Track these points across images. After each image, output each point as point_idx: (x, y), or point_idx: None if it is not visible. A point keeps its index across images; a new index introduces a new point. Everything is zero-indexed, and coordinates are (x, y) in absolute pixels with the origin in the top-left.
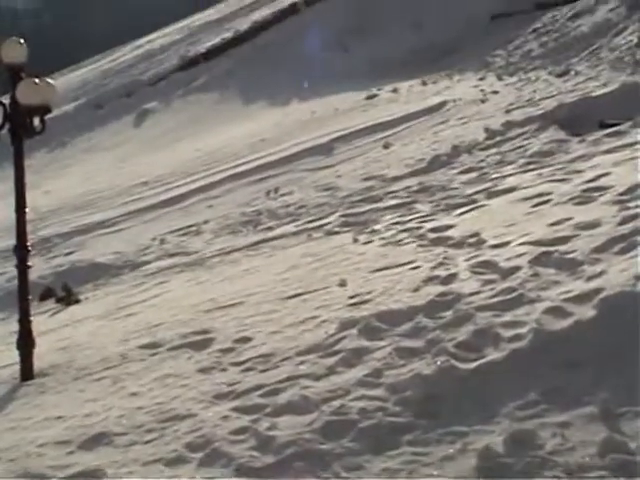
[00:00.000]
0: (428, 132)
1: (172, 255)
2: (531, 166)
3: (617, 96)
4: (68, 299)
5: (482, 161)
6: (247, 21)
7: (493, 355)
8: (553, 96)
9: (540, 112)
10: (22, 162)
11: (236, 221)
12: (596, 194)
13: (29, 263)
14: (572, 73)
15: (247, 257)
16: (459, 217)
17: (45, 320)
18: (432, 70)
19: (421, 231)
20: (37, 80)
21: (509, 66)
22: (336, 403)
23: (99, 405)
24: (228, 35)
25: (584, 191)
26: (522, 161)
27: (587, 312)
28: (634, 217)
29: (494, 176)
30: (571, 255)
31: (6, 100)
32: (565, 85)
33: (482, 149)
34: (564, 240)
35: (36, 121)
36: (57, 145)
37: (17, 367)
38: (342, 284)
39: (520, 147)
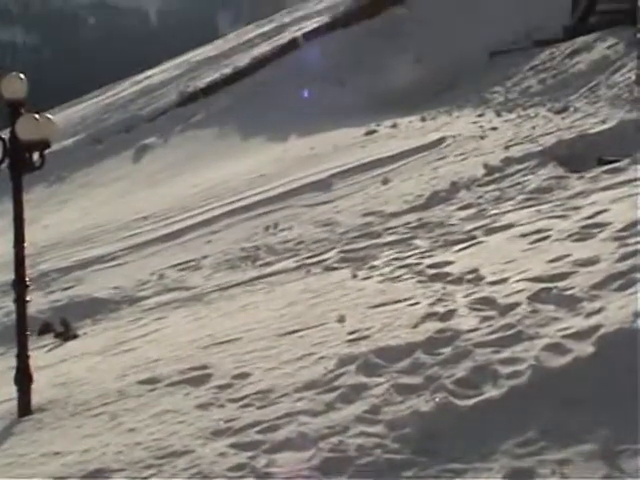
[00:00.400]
0: (427, 168)
1: (171, 290)
2: (530, 202)
3: (615, 133)
4: (66, 334)
5: (481, 197)
6: (246, 57)
7: (492, 392)
8: (552, 133)
9: (539, 148)
10: (21, 197)
11: (235, 256)
12: (595, 231)
13: (27, 298)
14: (571, 110)
15: (246, 293)
16: (458, 253)
17: (43, 355)
18: (431, 106)
19: (420, 267)
20: (37, 116)
21: (508, 102)
22: (334, 440)
23: (97, 441)
24: (227, 71)
25: (583, 228)
26: (521, 197)
27: (586, 349)
28: (633, 254)
29: (493, 212)
30: (570, 292)
31: (6, 135)
32: (564, 122)
33: (481, 185)
34: (563, 277)
35: (35, 156)
36: (56, 180)
37: (15, 402)
38: (341, 320)
39: (519, 183)
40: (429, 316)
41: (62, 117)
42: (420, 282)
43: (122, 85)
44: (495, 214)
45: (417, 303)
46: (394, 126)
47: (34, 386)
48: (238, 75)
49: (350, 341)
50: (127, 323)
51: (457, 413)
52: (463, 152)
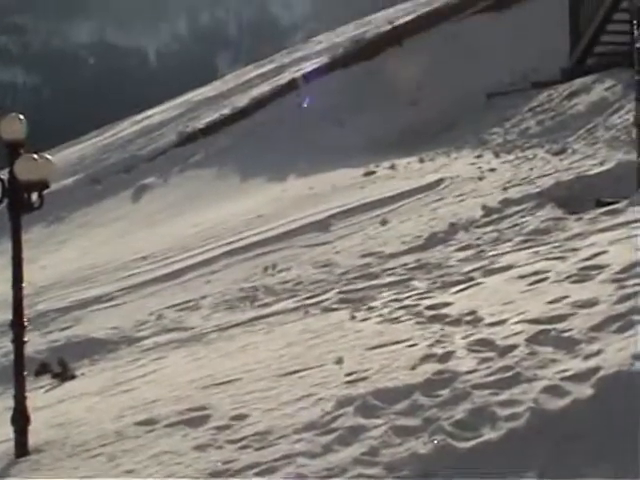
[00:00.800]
0: (425, 209)
1: (169, 330)
2: (528, 244)
3: (614, 174)
4: (64, 375)
5: (479, 238)
6: (245, 97)
7: (490, 434)
8: (550, 174)
9: (537, 190)
10: (20, 237)
11: (234, 297)
12: (593, 272)
13: (25, 338)
14: (569, 151)
15: (245, 333)
16: (456, 295)
17: (41, 396)
18: (429, 147)
19: (418, 308)
20: (36, 156)
21: (506, 144)
22: None
23: None
24: (226, 111)
25: (581, 269)
26: (519, 239)
27: (585, 391)
28: (631, 296)
29: (491, 254)
30: (568, 333)
31: (4, 175)
32: (562, 163)
33: (479, 226)
34: (561, 318)
35: (34, 196)
36: (55, 220)
37: (11, 443)
38: (339, 361)
39: (517, 225)
40: (427, 357)
41: (61, 157)
42: (418, 323)
43: (121, 125)
44: (493, 255)
45: (415, 344)
46: (393, 167)
47: (31, 427)
48: (237, 115)
49: (348, 382)
50: (125, 363)
51: (455, 455)
52: (461, 193)
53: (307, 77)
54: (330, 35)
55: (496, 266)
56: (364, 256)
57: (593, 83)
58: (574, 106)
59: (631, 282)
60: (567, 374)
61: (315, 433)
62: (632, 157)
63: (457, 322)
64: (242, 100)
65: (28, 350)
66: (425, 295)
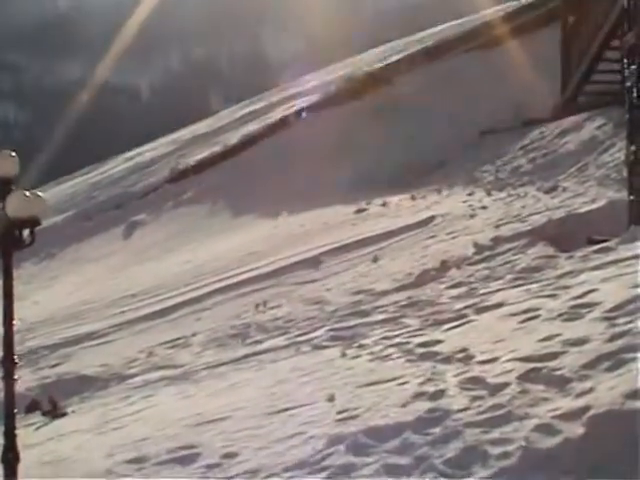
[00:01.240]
0: (417, 246)
1: (159, 368)
2: (519, 281)
3: (605, 213)
4: (54, 412)
5: (471, 276)
6: (236, 135)
7: (481, 473)
8: (541, 212)
9: (528, 228)
10: (11, 274)
11: (224, 334)
12: (584, 310)
13: (16, 376)
14: (560, 189)
15: (235, 371)
16: (447, 332)
17: (31, 433)
18: (421, 184)
19: (409, 346)
20: (27, 193)
21: (498, 182)
22: None
23: None
24: (217, 149)
25: (572, 307)
26: (510, 276)
27: (576, 430)
28: (622, 334)
29: (482, 291)
30: (560, 372)
31: None
32: (553, 201)
33: (471, 264)
34: (553, 356)
35: (25, 233)
36: (46, 256)
37: None
38: (330, 399)
39: (509, 262)
40: (419, 395)
41: (53, 193)
42: (410, 361)
43: (113, 162)
44: (485, 293)
45: (406, 382)
46: (384, 204)
47: (21, 465)
48: (228, 152)
49: (339, 420)
50: (115, 401)
51: None
52: (453, 231)
53: (298, 115)
54: (321, 73)
55: (488, 304)
56: (355, 293)
57: (584, 121)
58: (565, 144)
59: (622, 320)
60: (558, 412)
61: (306, 471)
62: (623, 195)
63: (448, 360)
64: (233, 137)
65: (19, 387)
66: (416, 333)
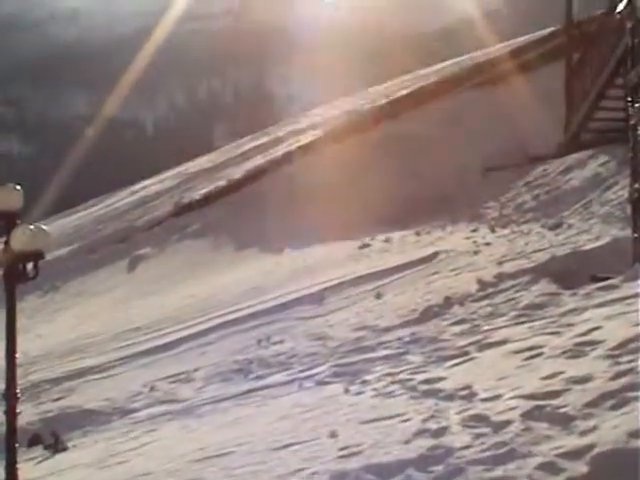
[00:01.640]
0: (421, 282)
1: (162, 402)
2: (523, 319)
3: (608, 250)
4: (56, 446)
5: (474, 313)
6: (240, 169)
7: None
8: (545, 249)
9: (532, 265)
10: (14, 307)
11: (227, 369)
12: (588, 348)
13: (18, 409)
14: (564, 226)
15: (238, 406)
16: (451, 369)
17: (32, 467)
18: (425, 220)
19: (412, 383)
20: (32, 227)
21: (502, 218)
22: None
23: None
24: (222, 183)
25: (576, 345)
26: (514, 313)
27: (580, 469)
28: (626, 372)
29: (486, 328)
30: (563, 410)
31: (0, 245)
32: (557, 238)
33: (474, 300)
34: (556, 394)
35: (29, 266)
36: (50, 289)
37: None
38: (333, 435)
39: (512, 299)
40: (421, 432)
41: (57, 226)
42: (413, 398)
43: (117, 195)
44: (488, 330)
45: (409, 419)
46: (388, 240)
47: None
48: (232, 187)
49: (342, 457)
50: (118, 435)
51: None
52: (457, 267)
53: (302, 150)
54: (326, 107)
55: (491, 341)
56: (359, 329)
57: (588, 159)
58: (569, 181)
59: (626, 358)
60: (562, 451)
61: None
62: (627, 233)
63: (451, 397)
64: (237, 172)
65: (21, 421)
66: (420, 369)
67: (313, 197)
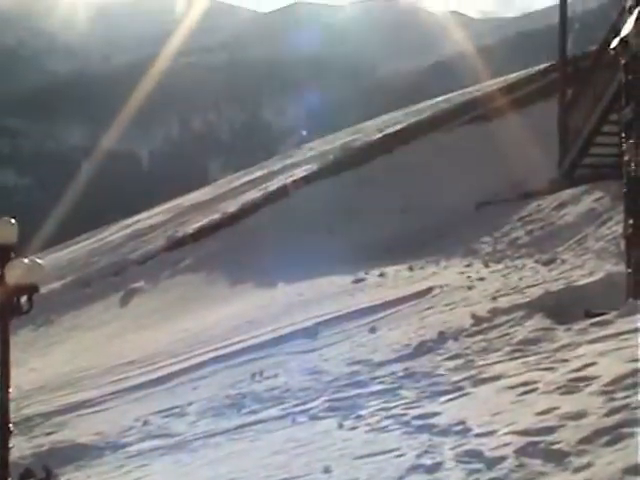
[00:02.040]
0: (415, 317)
1: (155, 437)
2: (517, 354)
3: (602, 285)
4: None
5: (468, 348)
6: (235, 203)
7: None
8: (539, 284)
9: (526, 300)
10: (8, 341)
11: (220, 404)
12: (582, 384)
13: (10, 444)
14: (558, 261)
15: (231, 441)
16: (445, 404)
17: None
18: (419, 255)
19: (406, 418)
20: (26, 260)
21: (496, 253)
22: None
23: None
24: (216, 217)
25: (570, 380)
26: (508, 349)
27: None
28: (620, 409)
29: (480, 363)
30: (557, 446)
31: None
32: (551, 273)
33: (468, 336)
34: (550, 430)
35: (23, 299)
36: (43, 322)
37: None
38: (326, 470)
39: (506, 334)
40: (415, 468)
41: (51, 259)
42: (407, 433)
43: (112, 228)
44: (482, 365)
45: (403, 454)
46: (382, 275)
47: None
48: (226, 221)
49: None
50: (110, 470)
51: None
52: (451, 302)
53: (297, 184)
54: (320, 142)
55: (485, 376)
56: (352, 364)
57: (582, 194)
58: (563, 217)
59: (620, 395)
60: None
61: None
62: (621, 268)
63: (445, 432)
64: (232, 206)
65: (13, 455)
66: (414, 404)
67: (307, 231)
